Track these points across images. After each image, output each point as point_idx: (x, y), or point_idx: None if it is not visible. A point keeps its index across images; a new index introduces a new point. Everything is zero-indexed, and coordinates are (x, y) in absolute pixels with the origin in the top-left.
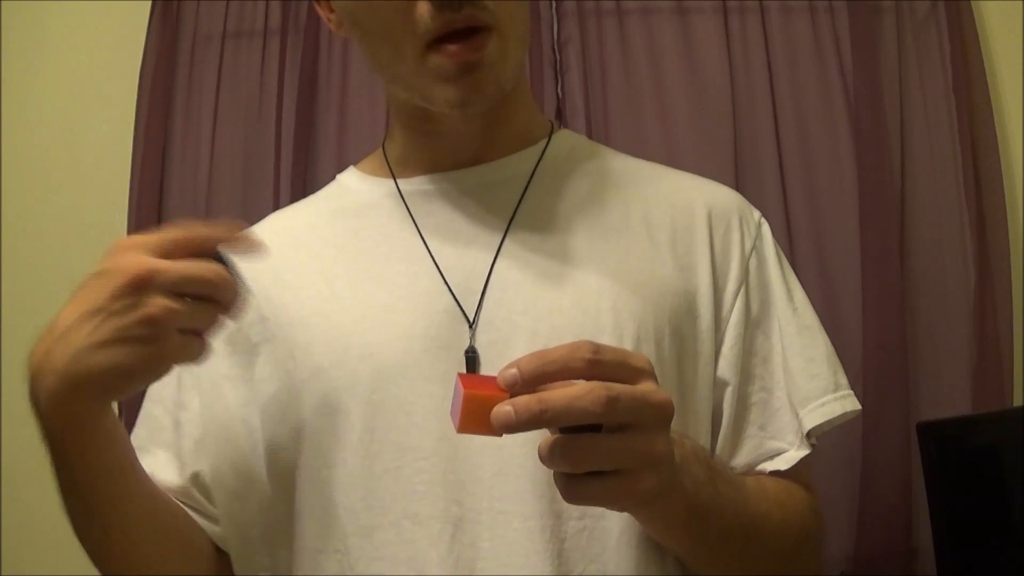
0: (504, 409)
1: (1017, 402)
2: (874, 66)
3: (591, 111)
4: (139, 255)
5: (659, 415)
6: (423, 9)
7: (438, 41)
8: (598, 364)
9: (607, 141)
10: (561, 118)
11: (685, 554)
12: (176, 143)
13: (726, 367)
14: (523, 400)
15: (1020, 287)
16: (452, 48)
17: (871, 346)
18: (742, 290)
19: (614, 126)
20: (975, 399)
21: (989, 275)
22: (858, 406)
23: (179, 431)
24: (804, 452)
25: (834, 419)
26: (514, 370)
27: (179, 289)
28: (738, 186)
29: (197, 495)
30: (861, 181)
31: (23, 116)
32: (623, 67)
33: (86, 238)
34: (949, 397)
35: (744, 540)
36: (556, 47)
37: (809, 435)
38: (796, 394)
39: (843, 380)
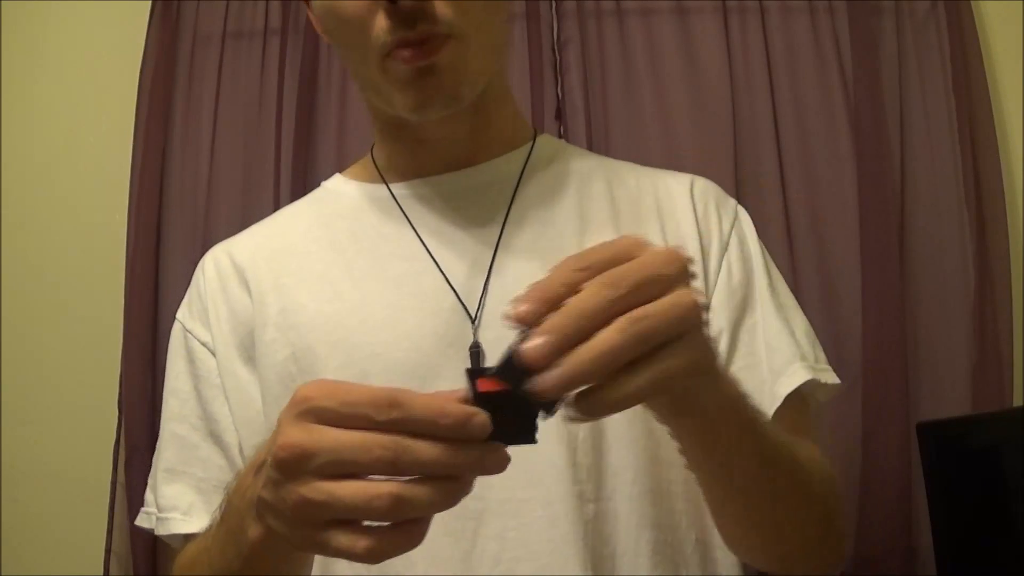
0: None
1: (1017, 402)
2: (874, 66)
3: (591, 111)
4: (305, 426)
5: (690, 322)
6: (381, 23)
7: (396, 49)
8: (590, 271)
9: (607, 141)
10: (561, 118)
11: (738, 476)
12: (176, 143)
13: (712, 335)
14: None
15: (1020, 287)
16: (406, 53)
17: (871, 346)
18: (724, 263)
19: (614, 126)
20: (975, 399)
21: (989, 275)
22: (838, 380)
23: (220, 442)
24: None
25: (812, 394)
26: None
27: (334, 472)
28: (738, 186)
29: None
30: (861, 181)
31: (23, 116)
32: (623, 67)
33: (86, 238)
34: (949, 397)
35: (790, 462)
36: (556, 47)
37: (806, 404)
38: (776, 360)
39: (821, 355)
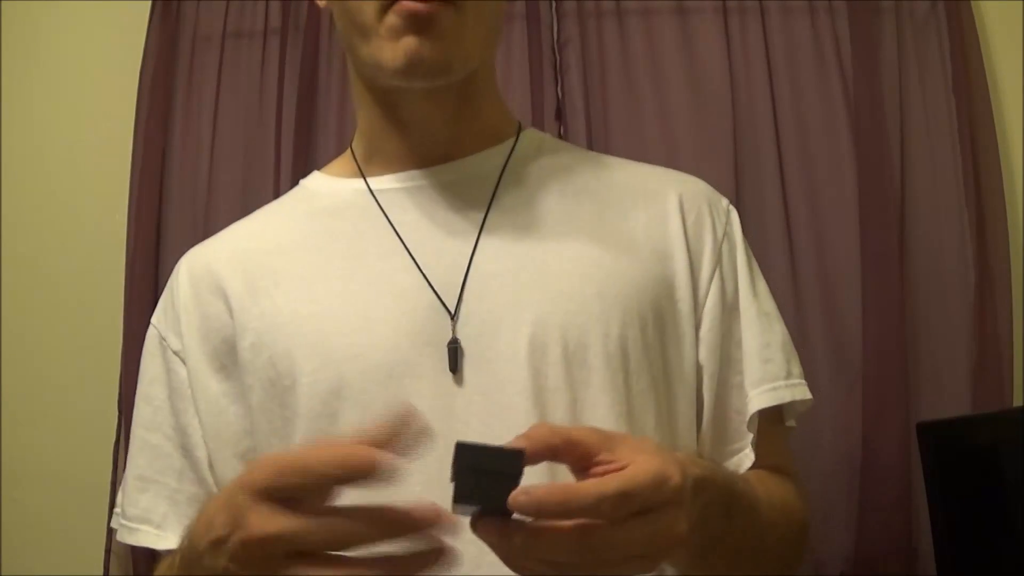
0: None
1: (1017, 402)
2: (874, 66)
3: (591, 111)
4: (259, 511)
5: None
6: None
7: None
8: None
9: (607, 141)
10: (561, 118)
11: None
12: (176, 143)
13: (705, 351)
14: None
15: (1020, 287)
16: (405, 3)
17: (871, 346)
18: (716, 275)
19: (614, 126)
20: (975, 399)
21: (989, 275)
22: (809, 395)
23: (190, 456)
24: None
25: (788, 404)
26: None
27: (300, 551)
28: (738, 186)
29: None
30: (861, 182)
31: (23, 116)
32: (623, 67)
33: (86, 238)
34: (949, 397)
35: (752, 556)
36: (556, 47)
37: (783, 417)
38: (748, 376)
39: (796, 369)
